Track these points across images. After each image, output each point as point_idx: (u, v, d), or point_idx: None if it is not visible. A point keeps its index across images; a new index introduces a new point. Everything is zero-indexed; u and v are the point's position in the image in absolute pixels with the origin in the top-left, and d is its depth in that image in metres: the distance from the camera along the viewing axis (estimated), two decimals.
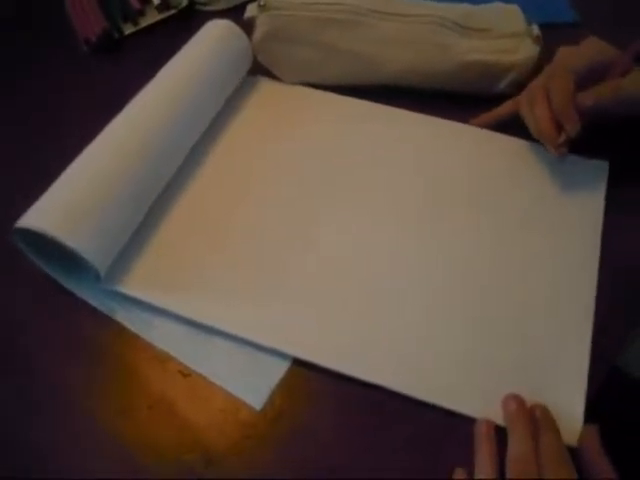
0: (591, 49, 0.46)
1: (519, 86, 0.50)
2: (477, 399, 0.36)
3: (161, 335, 0.39)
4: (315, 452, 0.35)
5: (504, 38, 0.49)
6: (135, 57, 0.58)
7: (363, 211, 0.45)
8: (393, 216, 0.45)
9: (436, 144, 0.49)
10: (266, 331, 0.38)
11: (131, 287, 0.40)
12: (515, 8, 0.51)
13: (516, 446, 0.33)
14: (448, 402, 0.36)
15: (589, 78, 0.44)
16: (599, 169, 0.48)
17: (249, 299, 0.40)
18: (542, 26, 0.51)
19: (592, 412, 0.36)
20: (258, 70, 0.54)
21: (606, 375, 0.38)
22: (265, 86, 0.54)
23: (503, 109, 0.49)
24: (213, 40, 0.49)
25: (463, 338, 0.39)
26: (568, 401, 0.36)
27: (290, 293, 0.40)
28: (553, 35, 0.52)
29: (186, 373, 0.38)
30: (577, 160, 0.48)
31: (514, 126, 0.49)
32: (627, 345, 0.40)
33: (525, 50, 0.49)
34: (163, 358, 0.38)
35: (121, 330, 0.39)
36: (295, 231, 0.43)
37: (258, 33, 0.50)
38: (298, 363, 0.38)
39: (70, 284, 0.41)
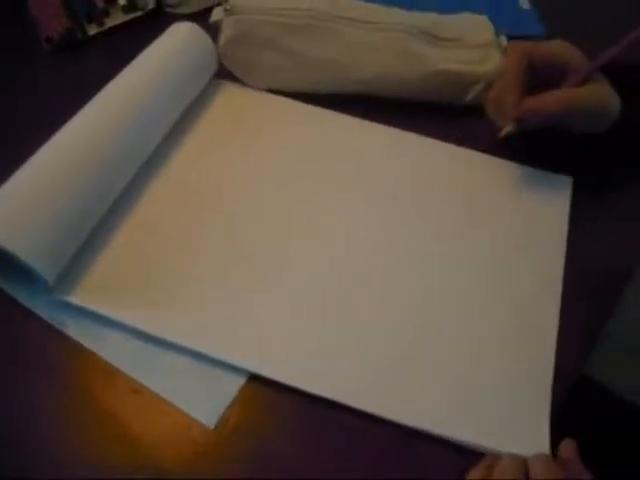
0: (556, 47, 0.45)
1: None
2: (438, 414, 0.36)
3: (113, 350, 0.37)
4: (271, 471, 0.34)
5: (473, 48, 0.49)
6: (98, 58, 0.56)
7: (329, 219, 0.44)
8: (359, 227, 0.44)
9: (398, 156, 0.49)
10: (221, 345, 0.37)
11: (83, 298, 0.38)
12: (484, 19, 0.51)
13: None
14: (410, 419, 0.35)
15: (546, 75, 0.44)
16: (563, 184, 0.48)
17: (204, 312, 0.39)
18: (511, 39, 0.51)
19: (563, 420, 0.36)
20: (224, 75, 0.53)
21: (574, 383, 0.38)
22: (230, 91, 0.53)
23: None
24: (176, 43, 0.48)
25: (427, 353, 0.38)
26: (533, 416, 0.36)
27: (247, 307, 0.39)
28: None
29: (137, 389, 0.36)
30: (541, 174, 0.48)
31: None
32: (593, 352, 0.40)
33: (493, 61, 0.49)
34: (114, 374, 0.37)
35: (71, 344, 0.38)
36: (254, 241, 0.42)
37: (223, 37, 0.49)
38: (253, 380, 0.37)
39: (18, 294, 0.39)
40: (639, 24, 0.41)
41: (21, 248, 0.35)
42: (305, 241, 0.43)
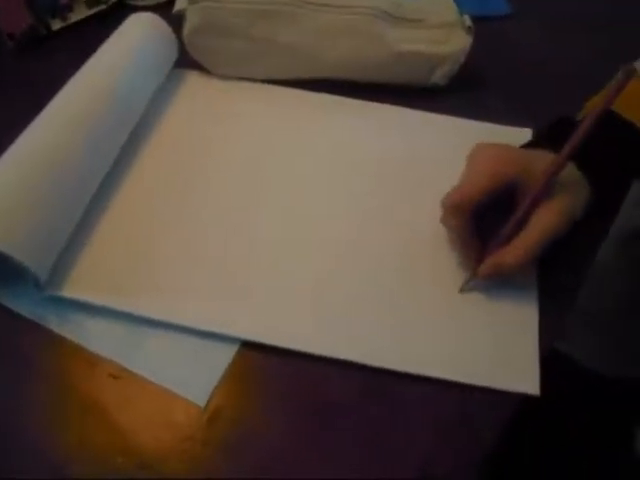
0: (487, 178, 0.38)
1: (453, 78, 0.51)
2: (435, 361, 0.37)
3: (96, 337, 0.37)
4: (258, 453, 0.34)
5: (436, 28, 0.50)
6: (64, 54, 0.55)
7: (300, 197, 0.45)
8: (331, 202, 0.45)
9: (376, 130, 0.49)
10: (211, 318, 0.38)
11: (73, 291, 0.38)
12: None
13: None
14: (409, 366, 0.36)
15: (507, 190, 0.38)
16: None
17: (191, 290, 0.39)
18: (476, 18, 0.52)
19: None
20: (189, 64, 0.53)
21: (546, 356, 0.38)
22: (196, 80, 0.53)
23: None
24: (135, 33, 0.48)
25: (414, 303, 0.40)
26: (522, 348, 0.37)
27: (231, 281, 0.40)
28: (486, 27, 0.53)
29: (117, 375, 0.36)
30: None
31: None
32: (565, 327, 0.40)
33: (457, 41, 0.50)
34: (94, 361, 0.37)
35: (48, 335, 0.38)
36: (231, 221, 0.43)
37: (188, 26, 0.49)
38: (237, 360, 0.37)
39: None
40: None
41: (13, 247, 0.35)
42: (286, 213, 0.44)
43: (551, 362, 0.39)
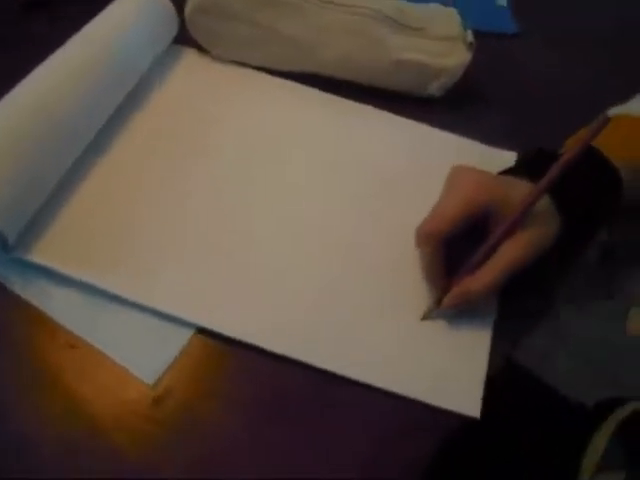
0: (460, 207, 0.38)
1: (449, 91, 0.51)
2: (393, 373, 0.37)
3: (58, 305, 0.38)
4: (203, 433, 0.35)
5: (438, 40, 0.50)
6: (69, 15, 0.55)
7: (281, 187, 0.45)
8: (311, 193, 0.45)
9: (364, 133, 0.50)
10: (169, 299, 0.38)
11: (40, 256, 0.38)
12: (452, 11, 0.52)
13: None
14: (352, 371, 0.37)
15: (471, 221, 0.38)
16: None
17: (159, 270, 0.39)
18: (481, 33, 0.52)
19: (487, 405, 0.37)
20: (187, 42, 0.53)
21: (501, 368, 0.39)
22: (191, 57, 0.53)
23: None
24: (132, 5, 0.48)
25: (368, 310, 0.40)
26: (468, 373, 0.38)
27: (196, 262, 0.40)
28: (491, 43, 0.53)
29: (74, 345, 0.36)
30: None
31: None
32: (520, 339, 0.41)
33: (457, 55, 0.50)
34: (54, 329, 0.37)
35: (14, 298, 0.38)
36: (216, 205, 0.43)
37: (190, 4, 0.49)
38: (192, 345, 0.37)
39: None
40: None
41: None
42: (271, 203, 0.44)
43: (509, 376, 0.39)
